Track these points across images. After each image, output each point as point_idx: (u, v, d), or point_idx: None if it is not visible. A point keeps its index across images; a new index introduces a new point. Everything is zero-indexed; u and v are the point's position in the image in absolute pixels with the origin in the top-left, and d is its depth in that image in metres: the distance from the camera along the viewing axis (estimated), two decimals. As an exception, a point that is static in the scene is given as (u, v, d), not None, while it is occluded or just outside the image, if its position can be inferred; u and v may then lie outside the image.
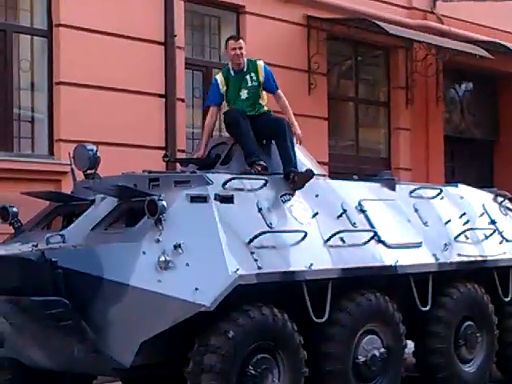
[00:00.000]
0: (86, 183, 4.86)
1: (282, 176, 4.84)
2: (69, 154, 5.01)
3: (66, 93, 6.79)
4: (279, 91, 5.14)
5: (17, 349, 4.58)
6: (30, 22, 6.97)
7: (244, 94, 5.02)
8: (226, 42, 5.14)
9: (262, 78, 5.03)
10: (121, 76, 7.07)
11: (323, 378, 4.53)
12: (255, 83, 5.03)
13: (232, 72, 5.01)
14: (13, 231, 4.79)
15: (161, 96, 7.40)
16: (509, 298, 5.82)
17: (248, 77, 5.03)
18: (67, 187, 5.46)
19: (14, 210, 4.68)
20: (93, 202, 4.47)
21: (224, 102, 5.19)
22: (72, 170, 4.93)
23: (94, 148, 4.84)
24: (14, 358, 4.72)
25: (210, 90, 5.41)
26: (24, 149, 6.78)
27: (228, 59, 5.16)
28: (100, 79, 6.91)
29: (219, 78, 5.07)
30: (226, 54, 5.40)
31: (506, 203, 6.50)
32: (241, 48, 4.96)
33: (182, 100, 7.61)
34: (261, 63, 5.07)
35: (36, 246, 4.08)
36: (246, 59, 5.01)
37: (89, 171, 4.88)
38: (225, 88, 5.04)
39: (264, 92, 5.07)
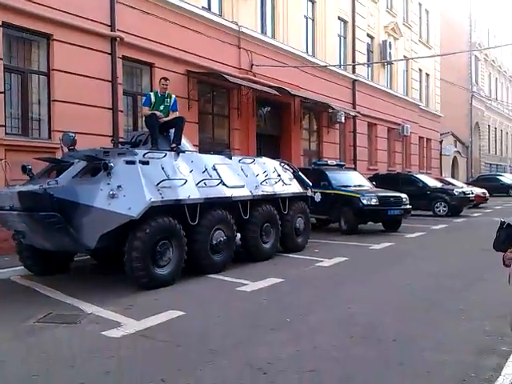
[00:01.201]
0: (69, 153, 7.20)
1: (174, 150, 7.52)
2: (59, 138, 7.56)
3: (58, 107, 9.88)
4: (177, 112, 8.28)
5: (32, 239, 6.85)
6: (37, 66, 9.92)
7: (161, 107, 8.05)
8: (161, 79, 8.18)
9: (171, 103, 8.16)
10: (91, 98, 10.35)
11: (195, 252, 7.18)
12: (167, 104, 8.12)
13: (159, 94, 8.12)
14: (28, 178, 7.04)
15: (109, 109, 10.85)
16: (286, 212, 9.27)
17: (166, 100, 8.15)
18: (58, 155, 8.27)
19: (29, 167, 6.91)
20: (72, 163, 6.75)
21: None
22: (61, 146, 7.43)
23: (74, 135, 7.35)
24: (31, 245, 7.06)
25: (145, 98, 8.32)
26: (35, 135, 9.66)
27: (159, 88, 8.23)
28: (79, 99, 10.14)
29: (152, 94, 8.12)
30: (159, 84, 8.32)
31: (284, 165, 9.96)
32: (166, 84, 8.10)
33: (121, 111, 11.06)
34: (174, 96, 8.23)
35: (42, 186, 6.15)
36: (167, 91, 8.13)
37: (70, 147, 7.32)
38: (153, 100, 8.06)
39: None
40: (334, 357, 4.29)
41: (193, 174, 7.48)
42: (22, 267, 7.63)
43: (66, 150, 7.57)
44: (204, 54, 13.28)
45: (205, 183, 7.54)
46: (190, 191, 7.22)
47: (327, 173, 13.78)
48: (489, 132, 43.45)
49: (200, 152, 8.61)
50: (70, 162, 6.91)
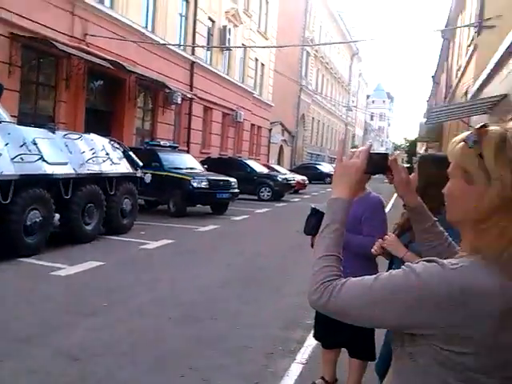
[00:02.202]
0: None
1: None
2: None
3: None
4: None
5: None
6: None
7: None
8: None
9: None
10: None
11: (7, 232, 6.69)
12: None
13: None
14: None
15: None
16: (112, 192, 9.11)
17: None
18: None
19: None
20: None
21: None
22: None
23: None
24: None
25: None
26: None
27: None
28: None
29: None
30: None
31: (114, 144, 9.76)
32: None
33: None
34: None
35: None
36: None
37: None
38: None
39: None
40: (150, 339, 4.40)
41: (8, 148, 6.95)
42: None
43: None
44: (32, 17, 12.03)
45: (22, 158, 7.07)
46: (3, 166, 6.72)
47: (159, 154, 13.75)
48: (312, 124, 47.38)
49: (19, 124, 7.89)
50: None
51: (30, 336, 4.28)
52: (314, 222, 3.06)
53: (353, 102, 67.43)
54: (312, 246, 3.43)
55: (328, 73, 51.68)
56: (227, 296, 5.85)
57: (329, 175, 32.65)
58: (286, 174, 22.29)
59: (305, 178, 24.48)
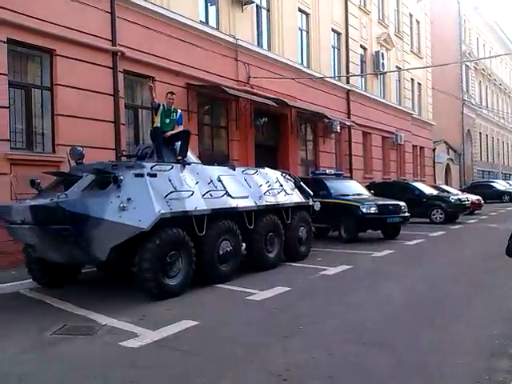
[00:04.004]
0: (77, 167, 7.30)
1: (180, 162, 7.60)
2: (67, 152, 7.63)
3: (61, 121, 10.00)
4: (182, 125, 8.41)
5: (43, 252, 6.92)
6: (40, 81, 10.04)
7: (167, 121, 8.16)
8: (167, 93, 8.23)
9: (177, 117, 8.26)
10: (93, 112, 10.49)
11: (203, 262, 7.29)
12: (173, 118, 8.23)
13: (165, 107, 8.15)
14: (36, 192, 7.12)
15: (112, 122, 11.00)
16: (289, 222, 9.40)
17: (172, 114, 8.23)
18: (63, 169, 8.44)
19: (38, 181, 7.02)
20: (81, 177, 6.77)
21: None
22: (68, 160, 7.51)
23: (81, 149, 7.45)
24: (40, 257, 7.08)
25: (155, 106, 8.29)
26: (39, 149, 9.77)
27: (165, 101, 8.25)
28: (81, 113, 10.24)
29: (161, 105, 8.13)
30: (165, 98, 8.31)
31: (286, 176, 10.15)
32: (173, 99, 8.18)
33: (123, 124, 11.16)
34: (179, 111, 8.37)
35: (52, 199, 6.21)
36: (173, 105, 8.23)
37: (78, 161, 7.43)
38: (160, 111, 8.11)
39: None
40: (351, 363, 4.39)
41: (199, 186, 7.58)
42: (30, 280, 7.68)
43: (73, 163, 7.65)
44: (203, 67, 13.46)
45: (211, 194, 7.64)
46: (196, 202, 7.31)
47: (326, 182, 13.94)
48: (480, 139, 43.92)
49: (204, 164, 8.66)
50: (79, 176, 6.95)
51: (240, 355, 4.56)
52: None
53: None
54: None
55: (492, 84, 47.75)
56: (417, 322, 5.59)
57: (506, 193, 29.75)
58: (458, 194, 20.86)
59: (479, 197, 22.61)
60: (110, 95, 11.02)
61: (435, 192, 19.72)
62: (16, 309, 6.55)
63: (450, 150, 36.58)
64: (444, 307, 6.25)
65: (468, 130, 40.02)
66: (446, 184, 30.21)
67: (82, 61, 10.39)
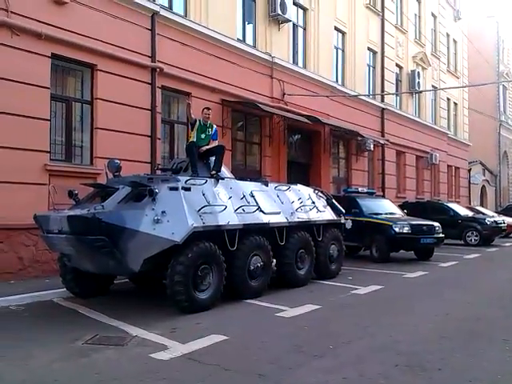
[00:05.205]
0: (114, 179, 7.45)
1: (214, 177, 7.71)
2: (105, 164, 7.83)
3: (100, 134, 10.32)
4: (217, 141, 8.52)
5: (77, 262, 7.07)
6: (81, 95, 10.40)
7: (203, 136, 8.32)
8: (204, 109, 8.36)
9: (212, 133, 8.40)
10: (131, 126, 10.67)
11: (233, 277, 7.30)
12: (209, 134, 8.37)
13: (201, 123, 8.32)
14: (73, 203, 7.30)
15: (148, 137, 11.26)
16: (320, 239, 9.33)
17: (208, 129, 8.39)
18: (100, 181, 8.68)
19: (76, 192, 7.19)
20: (117, 188, 6.89)
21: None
22: (106, 172, 7.69)
23: (119, 162, 7.62)
24: (74, 267, 7.28)
25: (192, 121, 8.49)
26: (78, 161, 10.05)
27: (201, 117, 8.42)
28: (119, 127, 10.58)
29: (198, 121, 8.31)
30: (201, 113, 8.48)
31: (318, 193, 10.13)
32: (209, 114, 8.32)
33: (159, 139, 11.42)
34: (215, 126, 8.47)
35: (89, 210, 6.36)
36: (209, 121, 8.39)
37: (116, 174, 7.58)
38: (196, 126, 8.30)
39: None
40: (385, 386, 4.29)
41: (232, 201, 7.64)
42: (64, 289, 7.84)
43: (110, 175, 7.81)
44: (238, 84, 13.63)
45: (243, 209, 7.68)
46: (229, 217, 7.35)
47: (358, 200, 13.83)
48: (517, 161, 42.76)
49: (238, 179, 8.71)
50: (115, 188, 7.09)
51: (269, 372, 4.52)
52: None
53: None
54: None
55: (531, 104, 46.53)
56: (450, 346, 5.43)
57: (543, 216, 28.77)
58: (493, 216, 20.31)
59: (516, 220, 21.95)
60: (148, 110, 11.27)
61: (470, 213, 19.28)
62: (49, 317, 6.66)
63: (486, 171, 35.75)
64: (478, 331, 6.06)
65: (505, 152, 39.08)
66: (482, 206, 29.46)
67: (122, 76, 10.70)
